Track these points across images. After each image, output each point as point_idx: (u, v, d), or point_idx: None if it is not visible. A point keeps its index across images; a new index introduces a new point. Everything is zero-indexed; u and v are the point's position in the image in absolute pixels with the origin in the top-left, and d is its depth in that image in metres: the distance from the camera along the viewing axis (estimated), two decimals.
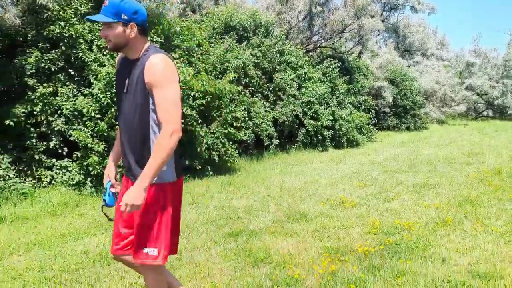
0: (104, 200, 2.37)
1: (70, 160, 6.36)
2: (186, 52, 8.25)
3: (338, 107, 12.36)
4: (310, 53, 13.60)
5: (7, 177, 5.87)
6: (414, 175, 7.51)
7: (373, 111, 15.29)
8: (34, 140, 6.32)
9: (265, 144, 10.13)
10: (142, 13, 2.14)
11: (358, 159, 9.87)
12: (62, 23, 6.40)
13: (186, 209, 5.45)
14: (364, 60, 16.89)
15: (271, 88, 10.71)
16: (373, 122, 14.93)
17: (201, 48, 8.93)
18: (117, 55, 2.35)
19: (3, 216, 4.98)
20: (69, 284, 3.27)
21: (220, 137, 7.91)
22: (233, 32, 10.71)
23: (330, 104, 11.98)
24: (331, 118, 11.56)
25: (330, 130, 11.63)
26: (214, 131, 7.87)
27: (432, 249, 3.84)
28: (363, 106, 14.63)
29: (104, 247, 4.06)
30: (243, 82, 9.65)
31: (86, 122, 6.41)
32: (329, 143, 11.83)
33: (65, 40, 6.48)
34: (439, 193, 6.12)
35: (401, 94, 18.35)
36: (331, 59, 13.07)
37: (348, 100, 13.21)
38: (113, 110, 6.40)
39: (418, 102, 19.23)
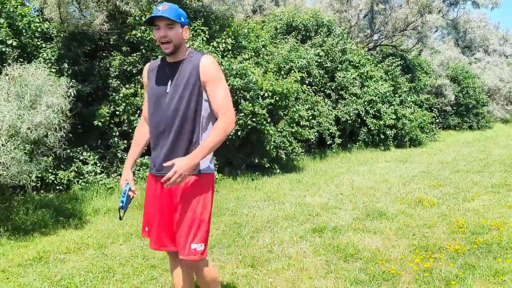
0: (122, 201, 2.34)
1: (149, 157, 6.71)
2: (253, 53, 8.45)
3: (401, 106, 12.13)
4: (371, 52, 13.41)
5: (95, 173, 6.31)
6: (489, 176, 7.26)
7: (435, 109, 14.83)
8: (116, 139, 6.73)
9: (328, 143, 10.14)
10: (186, 19, 2.29)
11: (425, 158, 9.65)
12: (142, 28, 6.77)
13: (262, 206, 5.61)
14: (424, 57, 16.41)
15: (333, 87, 10.70)
16: (436, 121, 14.48)
17: (266, 48, 9.10)
18: (146, 68, 2.39)
19: (98, 208, 5.37)
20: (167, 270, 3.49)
21: (287, 135, 8.03)
22: (295, 32, 10.81)
23: (393, 103, 11.79)
24: (394, 117, 11.38)
25: (393, 129, 11.45)
26: (282, 130, 8.01)
27: None
28: (425, 105, 14.23)
29: None
30: (307, 81, 9.72)
31: None
32: (391, 142, 11.65)
33: (145, 44, 6.85)
34: None
35: (463, 92, 17.68)
36: (392, 57, 12.84)
37: (411, 98, 12.92)
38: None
39: (481, 100, 18.45)
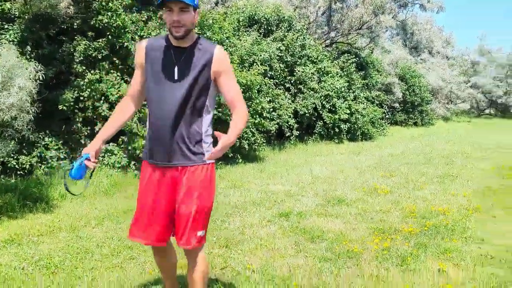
0: (72, 166, 2.14)
1: (115, 144, 6.71)
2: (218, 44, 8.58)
3: (354, 101, 12.73)
4: (327, 48, 13.93)
5: (57, 158, 6.23)
6: (434, 167, 7.92)
7: (385, 106, 15.67)
8: (79, 125, 6.67)
9: (286, 135, 10.50)
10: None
11: (376, 151, 10.27)
12: (109, 13, 6.71)
13: (229, 192, 5.84)
14: (376, 56, 17.24)
15: (292, 81, 11.06)
16: (386, 117, 15.31)
17: (230, 40, 9.25)
18: (142, 45, 2.23)
19: (64, 193, 5.34)
20: (151, 250, 3.64)
21: (250, 126, 8.27)
22: (257, 25, 11.03)
23: (347, 98, 12.35)
24: (348, 111, 11.94)
25: (346, 123, 12.02)
26: None
27: (469, 232, 4.23)
28: (376, 101, 15.00)
29: None
30: (269, 75, 9.99)
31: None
32: (345, 135, 12.23)
33: (112, 30, 6.80)
34: (462, 183, 6.53)
35: (410, 90, 18.75)
36: (347, 54, 13.42)
37: (363, 94, 13.59)
38: None
39: (425, 98, 19.64)
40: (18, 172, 5.87)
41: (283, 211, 4.90)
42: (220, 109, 7.40)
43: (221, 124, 7.60)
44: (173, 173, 2.19)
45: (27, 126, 4.82)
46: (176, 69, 2.12)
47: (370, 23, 13.18)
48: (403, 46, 24.15)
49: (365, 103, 13.35)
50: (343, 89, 12.17)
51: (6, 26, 6.11)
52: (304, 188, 6.17)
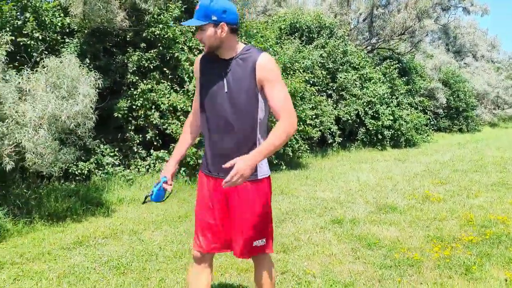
0: (152, 191, 2.26)
1: (167, 151, 6.93)
2: None
3: (398, 108, 12.53)
4: (368, 54, 13.81)
5: (113, 165, 6.50)
6: (487, 175, 7.66)
7: (429, 112, 15.32)
8: (132, 133, 6.93)
9: (329, 141, 10.47)
10: (232, 12, 2.07)
11: (422, 158, 10.05)
12: (160, 26, 6.96)
13: (277, 199, 5.88)
14: (418, 61, 16.90)
15: (334, 88, 11.03)
16: (431, 123, 14.97)
17: (273, 49, 9.37)
18: (197, 60, 2.28)
19: (121, 198, 5.58)
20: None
21: (295, 133, 8.31)
22: (298, 33, 11.10)
23: (390, 104, 12.18)
24: (391, 118, 11.77)
25: (390, 130, 11.84)
26: None
27: None
28: (419, 107, 14.69)
29: None
30: (311, 82, 10.02)
31: (180, 117, 6.97)
32: (388, 142, 12.04)
33: (163, 41, 7.05)
34: None
35: (454, 96, 18.24)
36: (390, 60, 13.25)
37: (407, 100, 13.34)
38: (181, 106, 6.91)
39: (471, 103, 19.04)
40: (77, 178, 6.16)
41: (335, 218, 4.90)
42: None
43: None
44: (217, 184, 2.18)
45: (88, 133, 5.09)
46: (225, 81, 2.12)
47: (413, 28, 12.97)
48: (446, 51, 23.54)
49: (408, 109, 13.11)
50: (385, 95, 12.01)
51: (66, 40, 6.47)
52: (353, 195, 6.14)
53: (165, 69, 7.25)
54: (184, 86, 7.18)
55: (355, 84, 11.26)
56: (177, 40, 7.14)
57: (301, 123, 8.50)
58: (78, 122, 4.57)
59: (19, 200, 4.76)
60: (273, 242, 2.29)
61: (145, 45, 7.20)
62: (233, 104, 2.10)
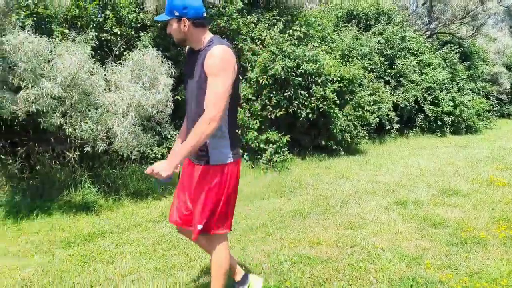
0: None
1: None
2: (320, 41, 8.88)
3: (458, 93, 12.22)
4: (428, 39, 13.49)
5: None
6: None
7: (492, 97, 14.75)
8: None
9: (386, 128, 10.47)
10: (193, 7, 2.19)
11: (485, 144, 9.83)
12: (225, 18, 7.33)
13: (339, 182, 6.12)
14: (480, 45, 16.24)
15: (392, 74, 10.96)
16: (494, 109, 14.42)
17: (331, 36, 9.49)
18: (186, 49, 2.43)
19: None
20: (279, 228, 4.07)
21: (353, 119, 8.44)
22: (355, 20, 11.11)
23: (450, 90, 11.90)
24: (452, 104, 11.52)
25: (450, 116, 11.60)
26: (347, 114, 8.43)
27: None
28: (481, 93, 14.19)
29: (290, 206, 4.86)
30: (369, 68, 10.05)
31: (243, 104, 7.34)
32: (448, 129, 11.80)
33: (227, 33, 7.42)
34: None
35: None
36: (450, 44, 12.89)
37: (468, 86, 12.95)
38: (264, 92, 7.27)
39: None
40: (151, 161, 6.71)
41: (398, 199, 5.07)
42: (325, 102, 7.66)
43: (323, 115, 7.89)
44: (190, 164, 2.40)
45: (165, 119, 5.57)
46: (195, 70, 2.26)
47: (475, 11, 12.50)
48: (510, 33, 22.26)
49: (470, 95, 12.73)
50: (446, 80, 11.75)
51: (140, 34, 7.00)
52: (414, 179, 6.24)
53: None
54: (247, 74, 7.52)
55: (414, 70, 11.12)
56: (240, 31, 7.48)
57: (359, 109, 8.61)
58: (158, 109, 5.04)
59: (109, 180, 5.34)
60: (219, 227, 2.37)
61: None
62: (194, 90, 2.27)
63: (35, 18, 5.89)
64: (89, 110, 4.68)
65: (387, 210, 4.68)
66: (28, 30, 4.23)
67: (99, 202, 5.01)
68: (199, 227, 2.33)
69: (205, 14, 2.26)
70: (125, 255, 3.55)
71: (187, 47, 2.40)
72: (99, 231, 4.14)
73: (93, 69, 4.90)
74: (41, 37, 4.06)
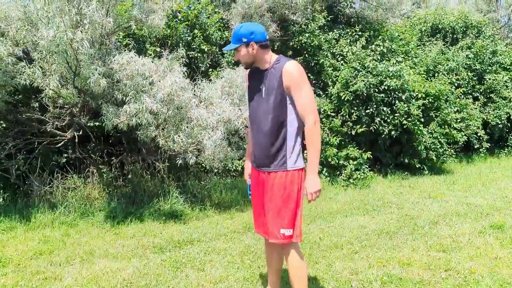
0: (249, 194, 2.74)
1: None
2: (404, 56, 8.63)
3: None
4: None
5: None
6: None
7: None
8: None
9: (475, 147, 9.83)
10: (259, 32, 2.45)
11: None
12: (307, 34, 7.42)
13: (426, 202, 5.84)
14: None
15: (481, 90, 10.31)
16: None
17: (414, 51, 9.19)
18: (246, 71, 2.68)
19: None
20: (365, 246, 3.98)
21: (439, 137, 8.05)
22: (440, 34, 10.67)
23: None
24: None
25: None
26: (432, 131, 8.06)
27: None
28: None
29: (374, 224, 4.74)
30: (456, 84, 9.56)
31: (323, 119, 7.33)
32: None
33: (308, 49, 7.50)
34: None
35: None
36: None
37: None
38: (344, 108, 7.20)
39: None
40: (231, 174, 6.91)
41: (494, 223, 4.73)
42: (409, 119, 7.41)
43: (406, 132, 7.62)
44: (261, 176, 2.57)
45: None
46: (263, 88, 2.50)
47: None
48: None
49: None
50: None
51: (225, 51, 7.31)
52: (511, 202, 5.78)
53: (309, 74, 7.69)
54: (328, 89, 7.51)
55: (506, 86, 10.36)
56: (322, 48, 7.53)
57: (446, 126, 8.19)
58: (245, 125, 5.21)
59: (195, 190, 5.59)
60: (301, 234, 2.52)
61: (291, 53, 7.75)
62: (266, 108, 2.47)
63: (131, 39, 6.44)
64: (181, 124, 4.97)
65: (482, 234, 4.38)
66: (132, 51, 4.62)
67: (185, 211, 5.26)
68: (288, 232, 2.46)
69: (267, 37, 2.54)
70: (214, 263, 3.68)
71: (247, 71, 2.66)
72: (188, 239, 4.34)
73: (185, 86, 5.21)
74: (145, 57, 4.42)
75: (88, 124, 5.58)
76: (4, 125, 5.79)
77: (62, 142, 5.56)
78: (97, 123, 5.65)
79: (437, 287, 3.13)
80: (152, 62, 4.44)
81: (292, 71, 2.39)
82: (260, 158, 2.54)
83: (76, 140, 5.61)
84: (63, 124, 5.49)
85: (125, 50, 4.65)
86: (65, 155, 5.94)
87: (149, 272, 3.49)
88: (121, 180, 5.98)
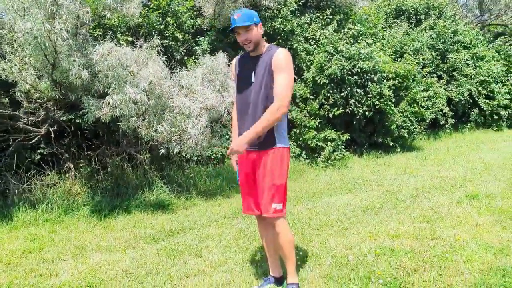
0: (237, 179, 2.84)
1: (289, 135, 7.45)
2: (373, 38, 8.84)
3: None
4: (479, 32, 13.10)
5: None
6: None
7: None
8: None
9: (441, 123, 10.26)
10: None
11: None
12: (279, 20, 7.46)
13: (402, 178, 6.09)
14: None
15: (444, 69, 10.74)
16: None
17: (381, 34, 9.43)
18: (234, 61, 2.80)
19: None
20: (354, 223, 4.14)
21: (409, 115, 8.35)
22: (404, 16, 10.97)
23: (506, 83, 11.50)
24: (508, 97, 11.13)
25: (507, 110, 11.21)
26: (403, 110, 8.34)
27: None
28: None
29: (358, 201, 4.91)
30: (421, 64, 9.90)
31: (299, 103, 7.44)
32: (505, 123, 11.41)
33: (281, 34, 7.55)
34: None
35: None
36: (503, 36, 12.45)
37: None
38: (323, 91, 7.33)
39: None
40: (212, 161, 6.92)
41: (469, 193, 5.00)
42: (381, 99, 7.64)
43: (378, 112, 7.86)
44: (250, 155, 2.66)
45: (230, 121, 5.74)
46: (253, 74, 2.61)
47: None
48: None
49: None
50: (501, 73, 11.36)
51: (199, 39, 7.26)
52: (480, 173, 6.12)
53: None
54: (303, 74, 7.61)
55: (467, 64, 10.83)
56: (294, 32, 7.60)
57: (415, 105, 8.50)
58: (228, 111, 5.23)
59: (180, 180, 5.58)
60: (285, 207, 2.67)
61: (265, 38, 7.76)
62: (255, 92, 2.58)
63: (102, 29, 6.27)
64: (163, 114, 4.93)
65: (460, 204, 4.64)
66: (108, 41, 4.51)
67: (172, 201, 5.25)
68: (279, 206, 2.60)
69: None
70: (211, 249, 3.72)
71: (235, 60, 2.80)
72: (180, 227, 4.35)
73: (165, 75, 5.16)
74: (126, 46, 4.34)
75: (62, 119, 5.44)
76: None
77: (36, 138, 5.39)
78: (71, 117, 5.52)
79: (428, 254, 3.31)
80: (133, 51, 4.35)
81: (281, 57, 2.52)
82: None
83: (52, 135, 5.46)
84: (38, 119, 5.33)
85: (103, 40, 4.53)
86: (39, 151, 5.77)
87: (147, 262, 3.49)
88: (101, 173, 5.87)
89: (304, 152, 7.30)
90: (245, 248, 3.67)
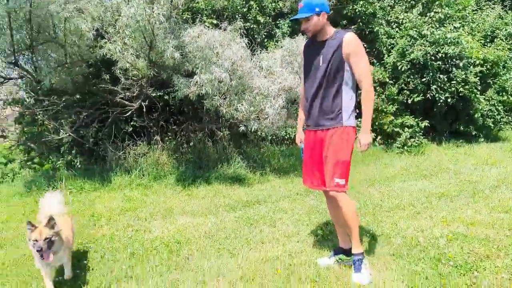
0: (302, 156, 3.01)
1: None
2: (461, 22, 8.41)
3: None
4: None
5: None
6: None
7: None
8: None
9: None
10: (326, 4, 2.71)
11: None
12: (361, 2, 7.39)
13: (484, 169, 5.87)
14: None
15: None
16: None
17: (471, 17, 8.91)
18: (301, 47, 2.91)
19: None
20: (427, 208, 4.14)
21: (496, 104, 7.91)
22: None
23: None
24: None
25: None
26: (489, 98, 7.91)
27: None
28: None
29: (434, 188, 4.87)
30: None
31: (376, 87, 7.37)
32: None
33: (363, 17, 7.48)
34: None
35: None
36: None
37: None
38: (403, 76, 7.18)
39: None
40: (285, 142, 7.13)
41: None
42: (466, 86, 7.32)
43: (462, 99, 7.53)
44: (315, 136, 2.84)
45: None
46: (321, 57, 2.75)
47: None
48: None
49: None
50: None
51: (279, 22, 7.44)
52: None
53: (363, 43, 7.68)
54: (383, 58, 7.51)
55: None
56: (376, 15, 7.49)
57: (503, 93, 8.02)
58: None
59: (256, 156, 5.90)
60: (347, 183, 2.78)
61: (345, 21, 7.76)
62: (324, 75, 2.72)
63: (189, 12, 6.69)
64: (244, 93, 5.23)
65: None
66: (198, 24, 4.87)
67: (248, 175, 5.59)
68: (342, 181, 2.75)
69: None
70: (284, 220, 3.98)
71: (306, 42, 2.94)
72: (255, 199, 4.66)
73: (247, 56, 5.44)
74: (213, 29, 4.67)
75: (153, 95, 5.96)
76: (79, 96, 6.30)
77: (130, 112, 5.98)
78: (160, 94, 6.03)
79: (503, 243, 3.28)
80: (220, 33, 4.67)
81: (352, 40, 2.69)
82: (318, 119, 2.82)
83: (144, 109, 6.02)
84: (133, 94, 5.90)
85: (192, 23, 4.90)
86: (132, 123, 6.39)
87: (227, 227, 3.83)
88: (185, 147, 6.38)
89: (379, 137, 7.26)
90: (316, 223, 3.87)
